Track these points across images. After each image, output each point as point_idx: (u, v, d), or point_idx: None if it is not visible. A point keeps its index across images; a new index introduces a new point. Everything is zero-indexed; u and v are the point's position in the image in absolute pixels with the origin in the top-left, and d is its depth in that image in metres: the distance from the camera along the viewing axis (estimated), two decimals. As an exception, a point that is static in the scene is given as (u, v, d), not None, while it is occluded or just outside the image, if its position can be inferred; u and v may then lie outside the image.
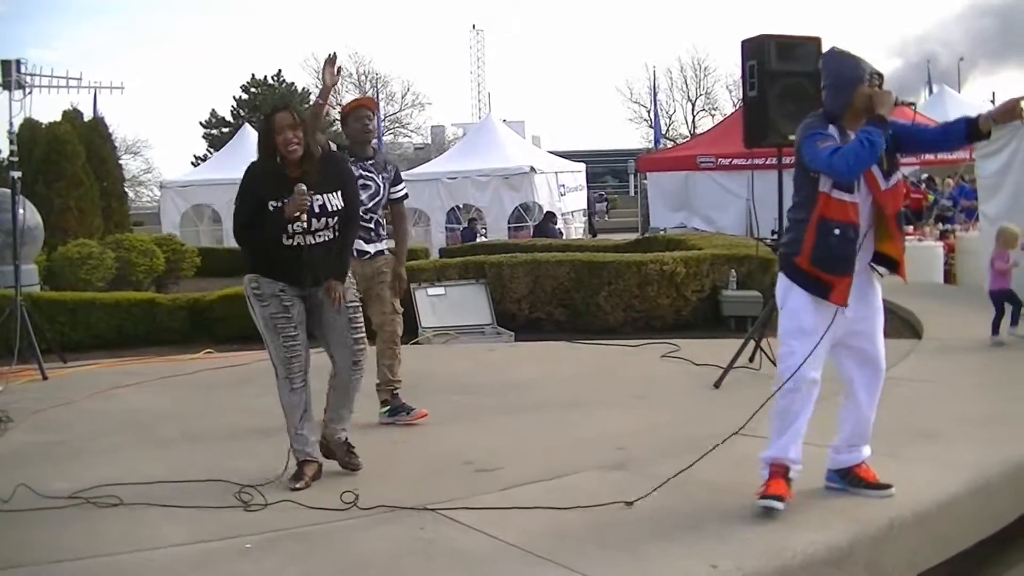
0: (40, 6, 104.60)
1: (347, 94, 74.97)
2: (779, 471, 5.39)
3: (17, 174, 11.32)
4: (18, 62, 11.40)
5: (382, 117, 60.82)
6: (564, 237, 26.50)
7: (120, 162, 23.97)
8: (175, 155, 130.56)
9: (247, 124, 39.68)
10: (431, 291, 12.86)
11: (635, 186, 48.70)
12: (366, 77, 73.34)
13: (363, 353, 6.46)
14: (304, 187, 5.99)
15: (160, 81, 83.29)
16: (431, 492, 5.94)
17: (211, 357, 11.29)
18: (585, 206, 34.53)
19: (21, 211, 11.72)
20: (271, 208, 6.06)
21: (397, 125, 73.18)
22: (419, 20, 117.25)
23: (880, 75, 5.38)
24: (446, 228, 29.55)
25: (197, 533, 5.41)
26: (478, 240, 26.26)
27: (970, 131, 5.34)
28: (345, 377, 6.45)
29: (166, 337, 12.80)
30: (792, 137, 8.69)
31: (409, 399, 7.89)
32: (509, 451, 6.89)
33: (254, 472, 6.35)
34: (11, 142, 11.67)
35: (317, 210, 6.13)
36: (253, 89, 71.18)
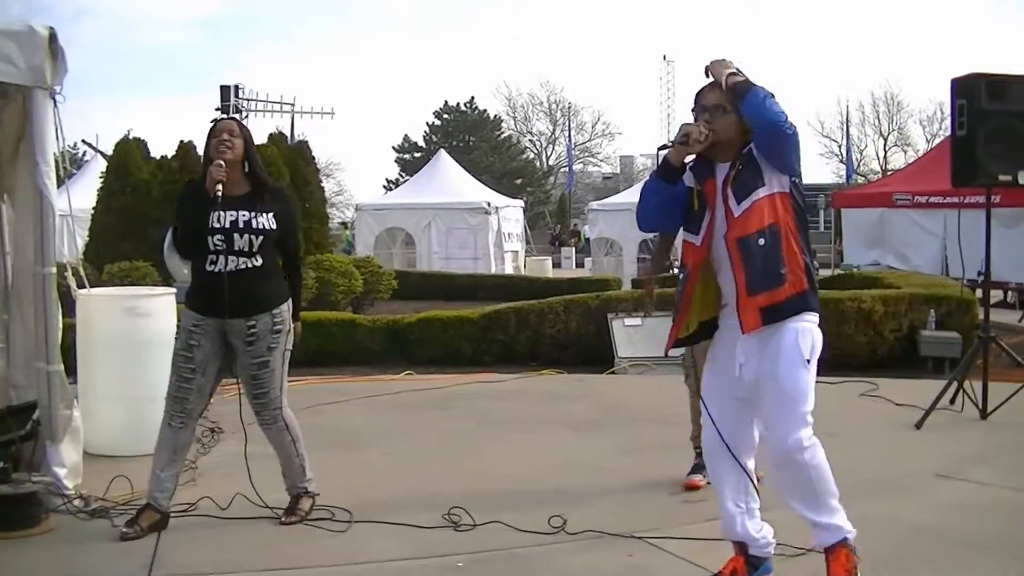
0: (237, 33, 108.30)
1: (537, 121, 75.87)
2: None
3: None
4: (236, 87, 11.92)
5: (572, 146, 61.44)
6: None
7: (321, 184, 24.53)
8: (366, 178, 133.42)
9: (442, 150, 40.36)
10: (627, 321, 12.84)
11: (825, 221, 47.87)
12: (556, 106, 73.93)
13: (264, 408, 6.10)
14: (222, 161, 5.72)
15: (354, 106, 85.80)
16: (637, 520, 5.95)
17: (412, 379, 11.46)
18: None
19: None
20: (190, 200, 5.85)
21: (587, 154, 73.55)
22: (611, 50, 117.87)
23: (701, 106, 4.75)
24: (638, 258, 29.49)
25: (409, 550, 5.53)
26: (672, 271, 26.05)
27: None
28: (259, 425, 6.21)
29: (364, 357, 13.05)
30: (1002, 177, 8.54)
31: (605, 428, 7.88)
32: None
33: (459, 493, 6.43)
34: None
35: (241, 224, 5.78)
36: (446, 115, 72.52)
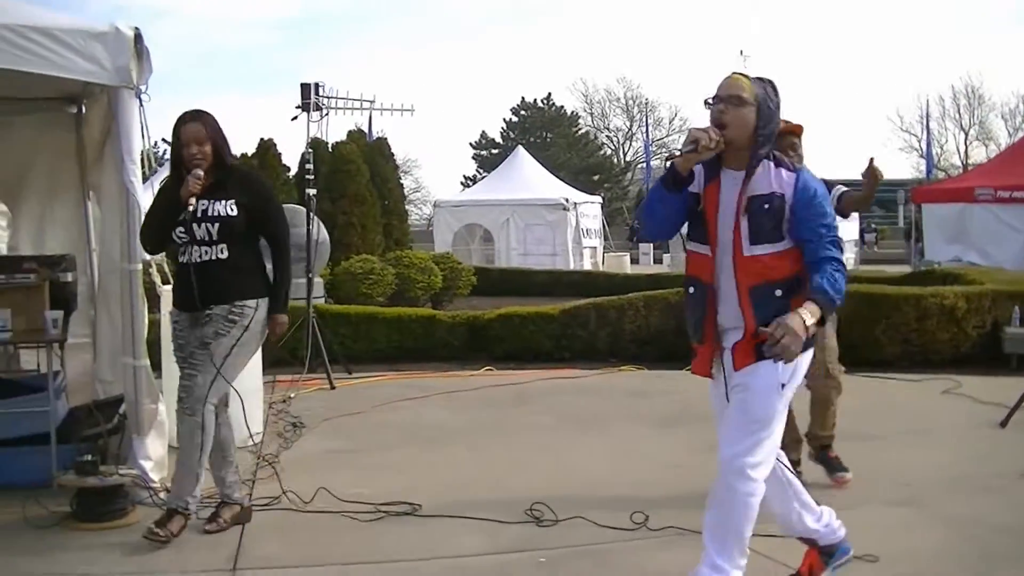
0: (316, 31, 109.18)
1: (615, 117, 75.66)
2: None
3: (312, 191, 11.84)
4: (317, 85, 11.92)
5: (649, 141, 61.15)
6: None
7: (400, 181, 24.69)
8: (444, 175, 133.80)
9: (519, 147, 40.40)
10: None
11: (904, 217, 47.19)
12: (633, 102, 73.65)
13: (186, 401, 5.68)
14: (200, 172, 5.62)
15: (432, 103, 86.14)
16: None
17: (491, 374, 11.47)
18: (856, 236, 33.64)
19: (312, 227, 12.20)
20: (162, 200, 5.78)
21: (664, 150, 73.11)
22: (688, 45, 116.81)
23: (714, 98, 4.38)
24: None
25: (492, 544, 5.55)
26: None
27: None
28: None
29: (444, 353, 13.06)
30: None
31: (685, 424, 7.82)
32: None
33: (541, 488, 6.42)
34: (306, 161, 12.22)
35: (199, 215, 5.66)
36: (523, 112, 72.50)
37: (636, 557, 5.34)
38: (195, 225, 5.64)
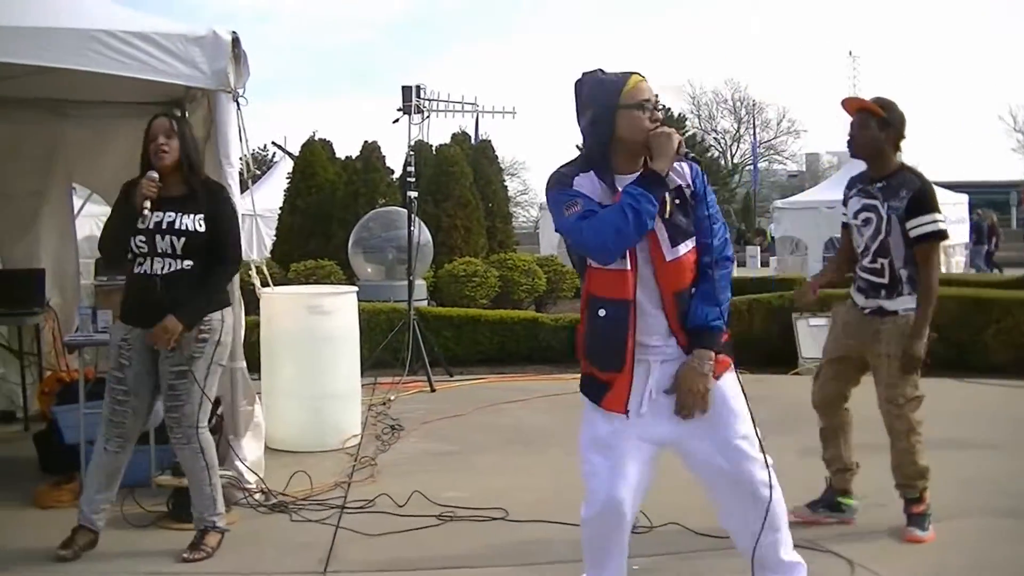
0: (419, 33, 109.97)
1: (722, 119, 75.04)
2: None
3: (414, 194, 11.88)
4: (418, 88, 11.97)
5: (757, 143, 60.52)
6: (944, 271, 25.33)
7: (504, 183, 24.69)
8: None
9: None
10: (812, 321, 12.51)
11: (1018, 218, 46.15)
12: (741, 103, 72.96)
13: (175, 421, 5.42)
14: (155, 174, 5.33)
15: (538, 105, 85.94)
16: (818, 527, 5.78)
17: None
18: (966, 239, 32.86)
19: (414, 229, 12.25)
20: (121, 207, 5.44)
21: (772, 152, 72.40)
22: (796, 46, 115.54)
23: (660, 106, 4.15)
24: (823, 258, 28.85)
25: (585, 551, 5.45)
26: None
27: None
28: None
29: (547, 356, 13.02)
30: None
31: (787, 430, 7.65)
32: (891, 487, 6.58)
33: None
34: (409, 164, 12.27)
35: (165, 226, 5.32)
36: (631, 113, 72.18)
37: (731, 564, 5.22)
38: (158, 236, 5.34)
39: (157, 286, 5.31)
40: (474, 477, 7.03)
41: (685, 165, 4.11)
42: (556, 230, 4.07)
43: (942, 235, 5.51)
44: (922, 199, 5.46)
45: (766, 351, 12.18)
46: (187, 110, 7.85)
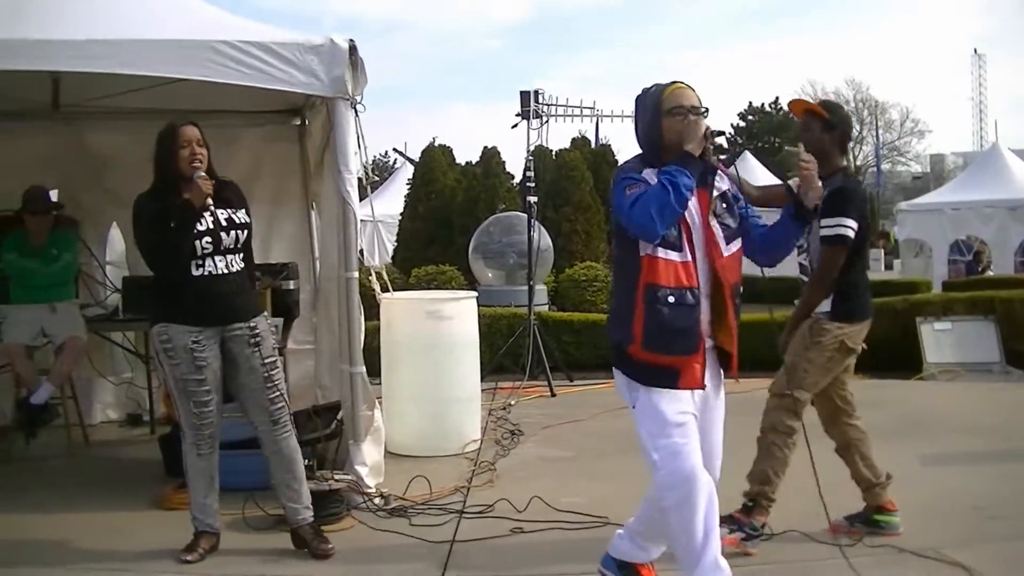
0: (539, 38, 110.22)
1: (845, 121, 73.79)
2: None
3: (533, 199, 11.88)
4: (536, 92, 11.98)
5: (880, 145, 59.36)
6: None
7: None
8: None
9: (747, 152, 39.84)
10: (937, 325, 12.28)
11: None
12: (863, 104, 71.64)
13: (282, 412, 5.56)
14: (204, 174, 5.35)
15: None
16: (938, 535, 5.60)
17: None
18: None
19: (534, 234, 12.25)
20: (175, 214, 5.33)
21: (895, 153, 70.98)
22: (919, 45, 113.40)
23: (697, 109, 4.42)
24: (948, 261, 28.19)
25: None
26: (985, 274, 24.82)
27: (797, 211, 4.52)
28: (270, 442, 5.57)
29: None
30: None
31: (909, 436, 7.49)
32: (1017, 498, 6.38)
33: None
34: (528, 168, 12.27)
35: (224, 223, 5.42)
36: (750, 116, 71.58)
37: (848, 575, 5.11)
38: (223, 234, 5.43)
39: (231, 281, 5.45)
40: (593, 483, 6.97)
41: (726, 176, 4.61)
42: (615, 213, 4.35)
43: (843, 240, 5.48)
44: (834, 201, 5.36)
45: (888, 355, 11.91)
46: (307, 118, 7.97)
